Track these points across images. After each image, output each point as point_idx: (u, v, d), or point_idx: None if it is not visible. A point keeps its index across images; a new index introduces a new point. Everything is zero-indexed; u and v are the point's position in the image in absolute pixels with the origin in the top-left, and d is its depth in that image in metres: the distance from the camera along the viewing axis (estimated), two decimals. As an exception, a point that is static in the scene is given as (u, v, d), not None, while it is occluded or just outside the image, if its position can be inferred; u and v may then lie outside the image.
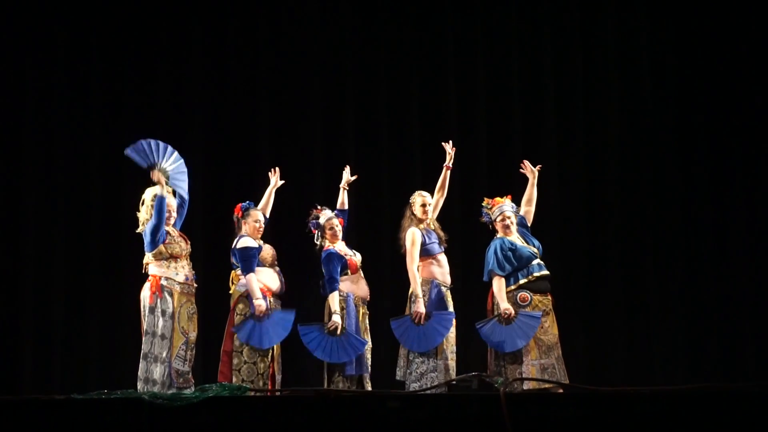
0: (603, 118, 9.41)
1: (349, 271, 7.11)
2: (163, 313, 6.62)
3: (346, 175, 7.43)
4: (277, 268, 7.15)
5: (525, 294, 7.09)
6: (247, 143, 9.13)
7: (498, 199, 7.34)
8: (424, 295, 7.08)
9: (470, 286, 7.99)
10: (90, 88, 9.08)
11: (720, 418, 5.20)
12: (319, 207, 7.30)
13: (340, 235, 7.21)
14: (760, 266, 9.12)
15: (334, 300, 6.98)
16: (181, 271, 6.72)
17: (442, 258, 7.23)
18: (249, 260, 6.89)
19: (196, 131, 9.09)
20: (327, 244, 7.17)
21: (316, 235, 7.26)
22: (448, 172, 7.37)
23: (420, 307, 6.98)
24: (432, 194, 7.33)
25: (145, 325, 6.72)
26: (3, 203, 8.92)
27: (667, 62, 9.43)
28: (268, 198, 7.34)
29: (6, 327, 8.77)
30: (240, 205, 7.16)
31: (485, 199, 7.38)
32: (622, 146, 9.35)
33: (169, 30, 9.16)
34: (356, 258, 7.19)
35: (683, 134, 9.37)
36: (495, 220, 7.29)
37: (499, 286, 7.08)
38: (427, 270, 7.18)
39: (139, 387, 6.61)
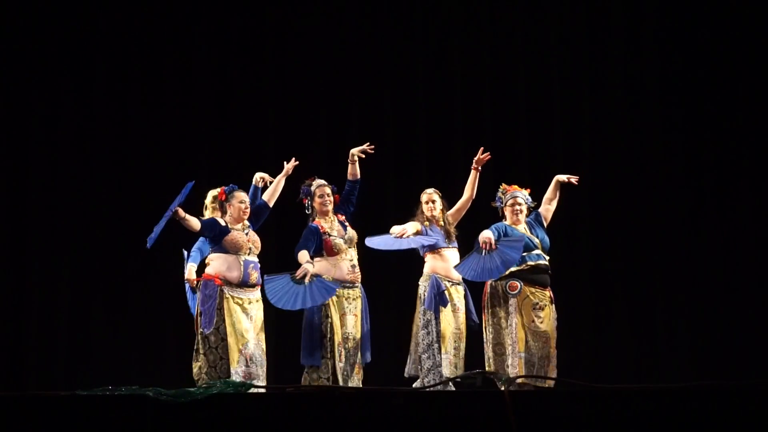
0: (608, 114, 9.41)
1: (324, 252, 6.99)
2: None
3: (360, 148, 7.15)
4: (243, 258, 6.81)
5: (515, 282, 6.97)
6: (253, 143, 9.13)
7: (515, 186, 7.27)
8: (423, 291, 7.08)
9: (472, 284, 7.97)
10: (95, 82, 9.12)
11: (726, 415, 5.18)
12: (314, 177, 7.15)
13: (329, 207, 7.05)
14: (766, 262, 9.10)
15: (303, 256, 6.84)
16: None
17: (448, 253, 7.16)
18: (209, 224, 6.81)
19: (201, 132, 9.12)
20: (317, 219, 7.04)
21: (306, 205, 7.10)
22: (477, 175, 7.28)
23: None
24: (438, 190, 7.32)
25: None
26: (9, 199, 8.94)
27: (673, 64, 9.42)
28: (276, 185, 7.12)
29: (10, 322, 8.80)
30: (223, 188, 6.98)
31: (502, 185, 7.30)
32: (628, 144, 9.34)
33: (174, 30, 9.20)
34: (339, 240, 6.99)
35: (688, 134, 9.35)
36: (505, 204, 7.19)
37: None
38: (429, 265, 7.16)
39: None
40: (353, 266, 7.00)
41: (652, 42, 9.42)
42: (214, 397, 5.25)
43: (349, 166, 7.15)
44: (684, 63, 9.37)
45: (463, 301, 7.19)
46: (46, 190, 8.95)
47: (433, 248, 7.16)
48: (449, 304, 7.08)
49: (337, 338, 6.88)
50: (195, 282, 6.93)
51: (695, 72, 9.35)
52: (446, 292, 7.09)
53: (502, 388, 5.98)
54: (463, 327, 7.15)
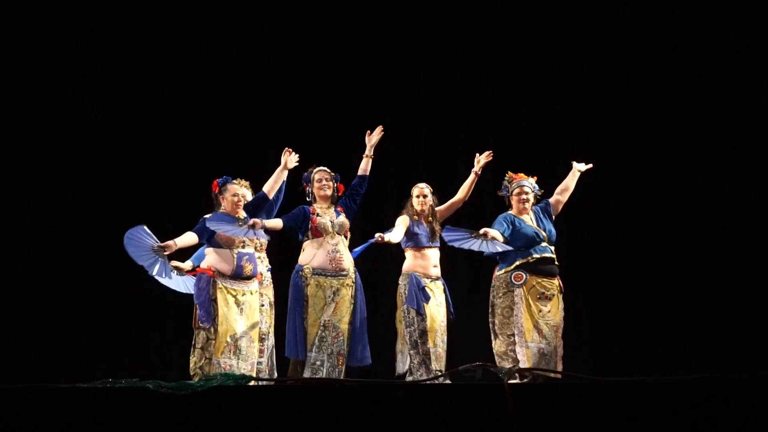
0: (610, 106, 9.41)
1: (310, 234, 6.87)
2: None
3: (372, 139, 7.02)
4: (236, 251, 6.70)
5: (520, 273, 6.90)
6: (253, 138, 9.13)
7: (522, 174, 7.19)
8: (403, 289, 7.01)
9: (471, 279, 7.96)
10: (95, 77, 9.11)
11: (728, 408, 5.19)
12: (316, 165, 7.07)
13: (327, 192, 6.94)
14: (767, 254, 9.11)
15: (274, 221, 6.76)
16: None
17: (430, 252, 7.09)
18: (201, 228, 6.72)
19: (202, 127, 9.12)
20: (314, 205, 6.95)
21: (307, 192, 7.03)
22: (476, 178, 7.24)
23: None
24: (430, 185, 7.26)
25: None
26: (9, 194, 8.95)
27: (675, 55, 9.42)
28: (276, 177, 6.88)
29: (12, 316, 8.81)
30: (216, 180, 6.92)
31: (508, 173, 7.23)
32: (630, 136, 9.34)
33: (174, 23, 9.19)
34: (326, 221, 6.84)
35: (691, 124, 9.35)
36: (512, 193, 7.11)
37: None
38: (409, 263, 7.09)
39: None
40: (335, 251, 6.84)
41: (652, 30, 9.42)
42: (215, 389, 5.26)
43: (363, 160, 7.04)
44: (685, 48, 9.38)
45: (443, 296, 7.14)
46: (46, 185, 8.95)
47: (417, 246, 7.09)
48: (431, 299, 7.03)
49: (312, 330, 6.77)
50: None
51: (696, 55, 9.36)
52: (426, 288, 7.03)
53: (515, 380, 5.97)
54: (445, 320, 7.10)
